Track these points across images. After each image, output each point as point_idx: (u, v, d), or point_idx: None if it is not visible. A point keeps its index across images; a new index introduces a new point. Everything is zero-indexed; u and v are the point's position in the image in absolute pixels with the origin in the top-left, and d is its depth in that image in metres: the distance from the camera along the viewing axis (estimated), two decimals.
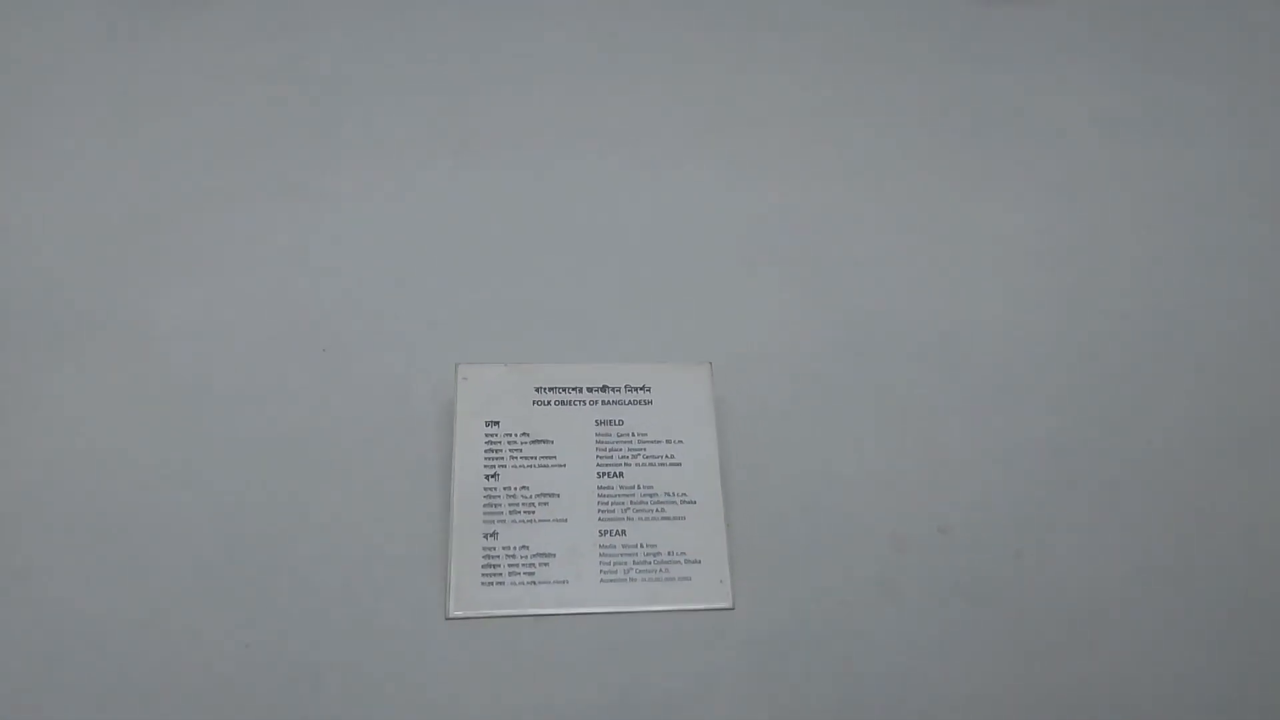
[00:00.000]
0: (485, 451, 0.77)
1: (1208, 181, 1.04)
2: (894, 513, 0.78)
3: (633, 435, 0.79)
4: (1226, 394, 0.87)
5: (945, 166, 1.04)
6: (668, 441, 0.79)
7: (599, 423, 0.79)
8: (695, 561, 0.75)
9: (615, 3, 1.18)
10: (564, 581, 0.73)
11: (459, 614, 0.72)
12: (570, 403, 0.80)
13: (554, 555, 0.74)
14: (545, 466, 0.77)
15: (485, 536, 0.74)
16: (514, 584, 0.73)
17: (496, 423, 0.78)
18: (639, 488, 0.77)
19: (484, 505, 0.75)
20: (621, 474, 0.77)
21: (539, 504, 0.76)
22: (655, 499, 0.77)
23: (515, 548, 0.74)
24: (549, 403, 0.80)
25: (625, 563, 0.74)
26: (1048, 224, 0.99)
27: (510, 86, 1.08)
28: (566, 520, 0.75)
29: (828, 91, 1.11)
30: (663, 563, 0.74)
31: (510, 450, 0.78)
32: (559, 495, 0.76)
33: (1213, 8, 1.24)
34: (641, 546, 0.75)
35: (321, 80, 1.07)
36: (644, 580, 0.74)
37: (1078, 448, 0.83)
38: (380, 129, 1.03)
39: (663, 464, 0.78)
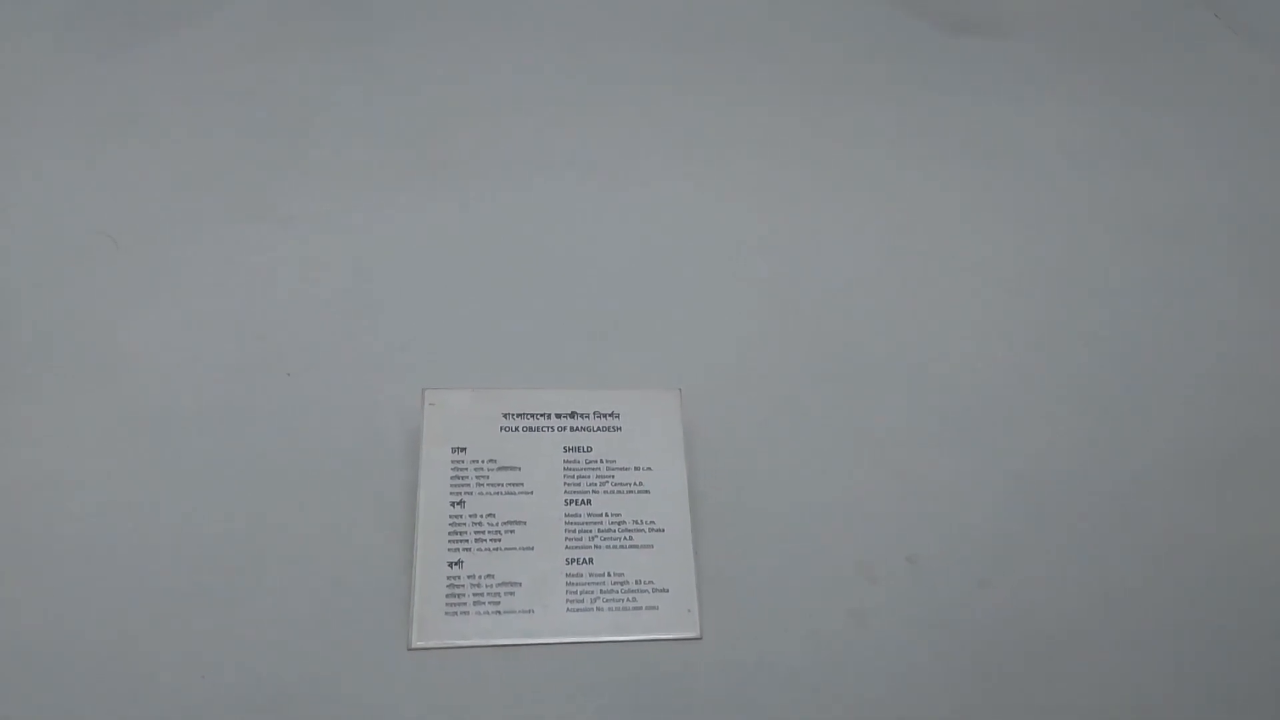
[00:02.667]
0: (451, 478, 0.76)
1: (1175, 210, 1.05)
2: (863, 542, 0.78)
3: (601, 462, 0.78)
4: (1196, 423, 0.88)
5: (916, 195, 1.05)
6: (636, 469, 0.78)
7: (567, 449, 0.79)
8: (663, 590, 0.74)
9: (587, 30, 1.19)
10: (530, 611, 0.72)
11: (422, 644, 0.70)
12: (538, 429, 0.79)
13: (520, 584, 0.73)
14: (512, 494, 0.76)
15: (450, 565, 0.73)
16: (479, 614, 0.72)
17: (463, 449, 0.78)
18: (607, 515, 0.76)
19: (449, 533, 0.74)
20: (589, 501, 0.77)
21: (505, 532, 0.75)
22: (623, 527, 0.76)
23: (480, 576, 0.73)
24: (517, 429, 0.79)
25: (592, 591, 0.73)
26: (1019, 252, 1.00)
27: (480, 112, 1.08)
28: (533, 548, 0.75)
29: (799, 120, 1.11)
30: (630, 591, 0.74)
31: (477, 477, 0.77)
32: (526, 523, 0.75)
33: (1174, 41, 1.26)
34: (609, 575, 0.74)
35: (292, 104, 1.07)
36: (611, 610, 0.73)
37: (1046, 477, 0.83)
38: (349, 154, 1.02)
39: (631, 491, 0.77)
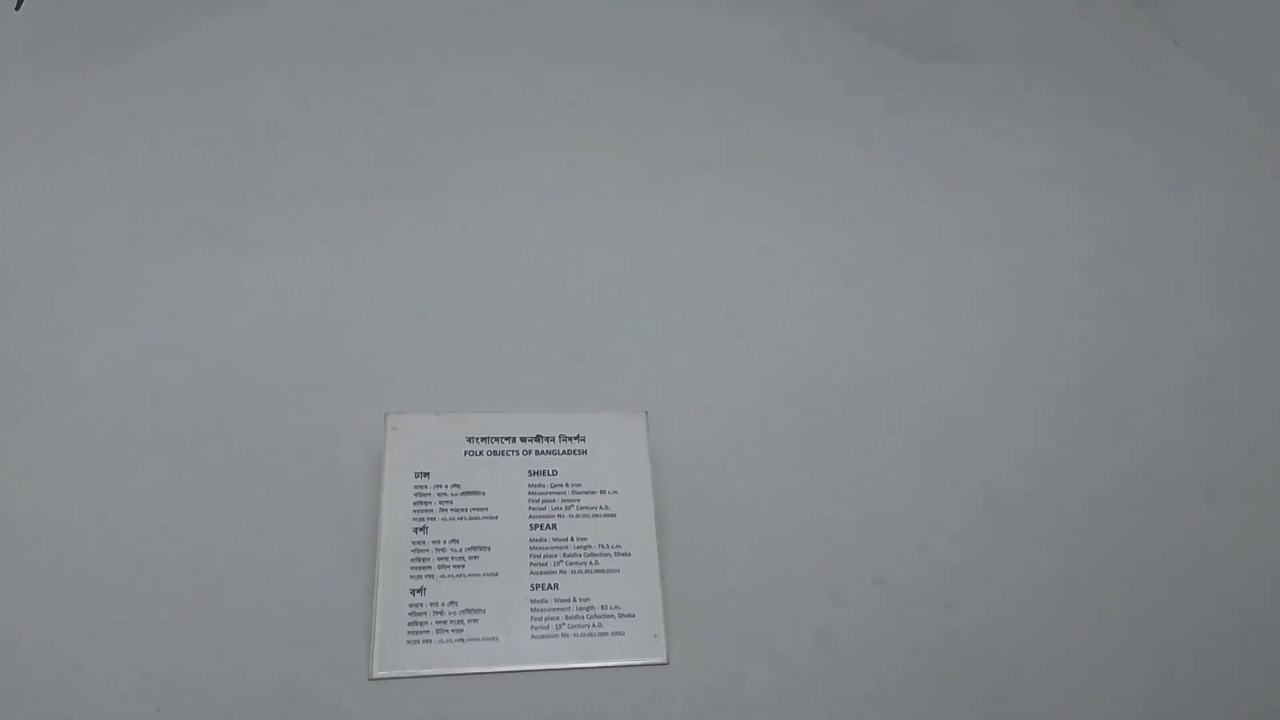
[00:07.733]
0: (414, 504, 0.75)
1: (1138, 230, 1.07)
2: (830, 564, 0.78)
3: (566, 486, 0.77)
4: (1164, 444, 0.88)
5: (881, 218, 1.05)
6: (602, 492, 0.78)
7: (532, 473, 0.78)
8: (629, 615, 0.73)
9: (554, 53, 1.19)
10: (494, 638, 0.71)
11: (383, 674, 0.69)
12: (503, 453, 0.78)
13: (484, 611, 0.72)
14: (476, 519, 0.75)
15: (412, 592, 0.72)
16: (441, 642, 0.70)
17: (426, 474, 0.76)
18: (572, 540, 0.75)
19: (411, 560, 0.73)
20: (554, 526, 0.76)
21: (469, 558, 0.74)
22: (589, 551, 0.75)
23: (444, 604, 0.72)
24: (481, 453, 0.78)
25: (557, 617, 0.72)
26: (985, 274, 1.00)
27: (445, 135, 1.08)
28: (497, 574, 0.73)
29: (766, 143, 1.12)
30: (596, 617, 0.73)
31: (440, 502, 0.76)
32: (490, 548, 0.74)
33: (1134, 65, 1.28)
34: (574, 600, 0.73)
35: (254, 126, 1.06)
36: (576, 636, 0.72)
37: (1014, 498, 0.83)
38: (312, 176, 1.01)
39: (597, 515, 0.77)
